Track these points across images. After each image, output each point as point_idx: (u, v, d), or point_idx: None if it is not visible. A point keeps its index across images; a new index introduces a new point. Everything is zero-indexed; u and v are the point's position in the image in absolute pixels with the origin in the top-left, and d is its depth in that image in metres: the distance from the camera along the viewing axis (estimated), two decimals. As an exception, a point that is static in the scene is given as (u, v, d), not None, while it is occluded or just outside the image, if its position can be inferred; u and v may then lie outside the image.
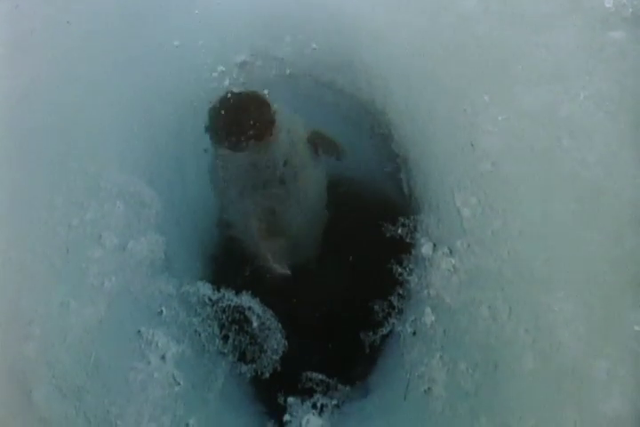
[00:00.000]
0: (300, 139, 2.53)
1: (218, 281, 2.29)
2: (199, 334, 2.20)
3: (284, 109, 2.45)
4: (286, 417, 2.13)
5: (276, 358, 2.28)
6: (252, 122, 2.29)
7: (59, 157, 2.15)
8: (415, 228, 2.25)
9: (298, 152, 2.51)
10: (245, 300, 2.19)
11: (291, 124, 2.48)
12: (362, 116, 3.00)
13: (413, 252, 2.24)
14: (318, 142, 2.62)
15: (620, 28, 2.09)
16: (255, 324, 2.23)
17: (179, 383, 2.01)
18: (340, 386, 2.33)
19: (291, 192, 2.52)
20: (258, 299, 2.23)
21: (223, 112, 2.33)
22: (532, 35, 2.18)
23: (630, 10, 2.11)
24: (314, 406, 2.17)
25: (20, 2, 2.32)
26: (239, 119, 2.30)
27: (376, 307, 2.26)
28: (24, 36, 2.28)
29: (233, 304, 2.19)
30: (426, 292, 2.06)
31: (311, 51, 2.77)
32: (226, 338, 2.30)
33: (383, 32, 2.58)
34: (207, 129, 2.39)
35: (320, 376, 2.32)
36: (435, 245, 2.12)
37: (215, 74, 2.72)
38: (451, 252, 2.04)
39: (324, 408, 2.17)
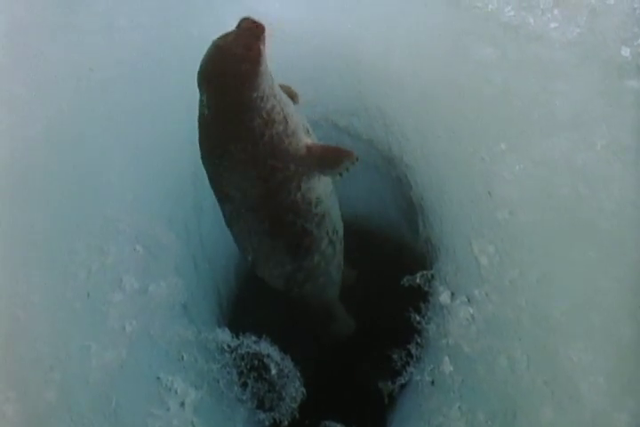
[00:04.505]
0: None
1: (236, 328, 2.36)
2: (218, 381, 2.26)
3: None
4: (304, 467, 2.17)
5: (294, 406, 2.34)
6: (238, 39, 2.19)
7: (78, 201, 2.23)
8: (433, 276, 2.31)
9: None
10: (264, 347, 2.26)
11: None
12: (378, 161, 3.11)
13: (431, 300, 2.31)
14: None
15: (637, 77, 2.13)
16: (274, 371, 2.28)
17: (197, 430, 2.06)
18: (358, 436, 2.37)
19: None
20: (277, 346, 2.29)
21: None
22: (549, 83, 2.25)
23: (646, 59, 2.19)
24: (332, 455, 2.23)
25: (44, 48, 2.38)
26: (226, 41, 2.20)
27: (394, 356, 2.31)
28: (47, 82, 2.36)
29: (252, 351, 2.25)
30: (444, 341, 2.12)
31: (329, 96, 2.92)
32: (244, 385, 2.36)
33: (400, 79, 2.69)
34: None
35: (338, 426, 2.36)
36: (453, 293, 2.18)
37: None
38: (469, 300, 2.10)
39: (343, 458, 2.21)
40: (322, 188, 2.45)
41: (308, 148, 2.36)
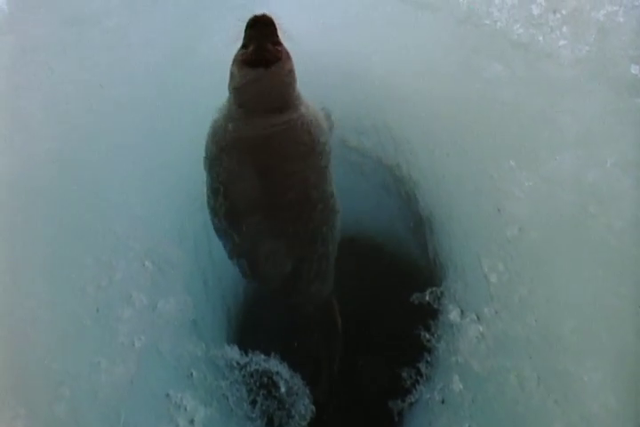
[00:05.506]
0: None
1: (245, 345, 2.38)
2: (227, 398, 2.27)
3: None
4: (314, 484, 2.17)
5: (303, 423, 2.35)
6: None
7: (88, 217, 2.26)
8: (442, 294, 2.33)
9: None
10: (273, 364, 2.29)
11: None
12: (387, 178, 3.14)
13: (441, 318, 2.32)
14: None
15: (647, 95, 2.15)
16: (283, 389, 2.31)
17: (207, 448, 2.06)
18: (368, 455, 2.39)
19: None
20: (286, 363, 2.32)
21: None
22: (558, 100, 2.28)
23: (656, 76, 2.19)
24: (341, 474, 2.23)
25: (55, 66, 2.43)
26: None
27: (404, 374, 2.33)
28: (58, 99, 2.40)
29: (261, 368, 2.27)
30: (454, 359, 2.13)
31: (338, 113, 2.93)
32: (254, 402, 2.37)
33: (409, 96, 2.74)
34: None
35: (348, 443, 2.38)
36: (462, 311, 2.20)
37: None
38: (478, 318, 2.12)
39: (352, 477, 2.22)
40: None
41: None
